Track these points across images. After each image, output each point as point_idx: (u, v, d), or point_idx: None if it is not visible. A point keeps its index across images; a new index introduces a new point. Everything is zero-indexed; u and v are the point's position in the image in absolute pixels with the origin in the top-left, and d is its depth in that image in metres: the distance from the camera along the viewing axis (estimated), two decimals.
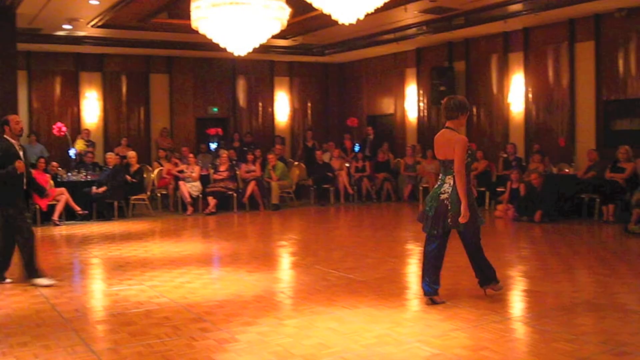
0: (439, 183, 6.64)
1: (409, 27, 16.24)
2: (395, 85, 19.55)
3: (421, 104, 18.70)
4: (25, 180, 7.92)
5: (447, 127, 6.72)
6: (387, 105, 20.01)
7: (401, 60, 19.27)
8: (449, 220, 6.45)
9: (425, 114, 18.61)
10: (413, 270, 8.88)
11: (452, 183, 6.49)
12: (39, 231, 12.74)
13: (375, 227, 13.00)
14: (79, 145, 16.54)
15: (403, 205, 16.68)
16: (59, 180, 14.32)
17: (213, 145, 18.63)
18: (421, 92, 18.67)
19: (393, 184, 17.60)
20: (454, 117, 6.75)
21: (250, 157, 16.58)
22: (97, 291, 8.00)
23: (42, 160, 14.04)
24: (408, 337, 5.51)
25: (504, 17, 14.75)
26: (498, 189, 14.81)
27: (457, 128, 6.73)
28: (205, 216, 14.77)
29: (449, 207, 6.44)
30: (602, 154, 13.67)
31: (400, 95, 19.43)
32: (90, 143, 17.07)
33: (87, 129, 17.57)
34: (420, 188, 16.91)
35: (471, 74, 17.22)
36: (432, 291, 6.61)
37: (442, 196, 6.52)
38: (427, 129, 18.48)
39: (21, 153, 7.86)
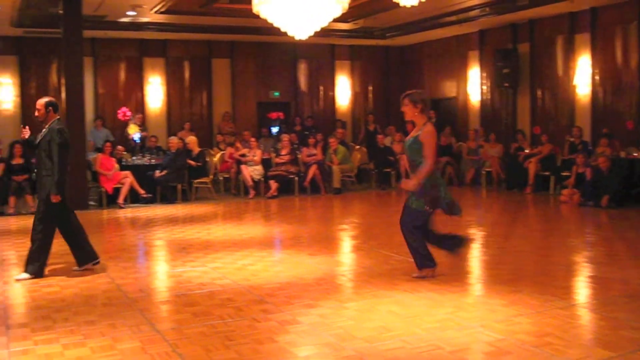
0: (438, 174, 7.11)
1: (471, 8, 15.97)
2: (458, 68, 19.29)
3: (484, 87, 18.41)
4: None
5: None
6: (449, 89, 19.77)
7: (464, 42, 18.98)
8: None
9: (489, 97, 18.31)
10: (475, 255, 8.79)
11: None
12: (105, 213, 13.06)
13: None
14: (132, 129, 16.78)
15: (465, 189, 16.49)
16: (124, 163, 14.61)
17: (274, 129, 18.74)
18: (484, 75, 18.38)
19: (455, 168, 17.43)
20: None
21: (311, 141, 16.59)
22: (161, 272, 8.15)
23: (108, 144, 14.36)
24: (470, 322, 5.46)
25: None
26: (563, 174, 14.52)
27: None
28: (267, 200, 14.86)
29: None
30: None
31: (462, 78, 19.17)
32: (143, 127, 17.30)
33: (140, 115, 17.70)
34: (483, 172, 16.70)
35: (536, 56, 16.87)
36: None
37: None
38: (490, 112, 18.21)
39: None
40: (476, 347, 4.90)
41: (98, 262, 7.87)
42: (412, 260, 7.12)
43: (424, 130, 6.88)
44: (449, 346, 4.87)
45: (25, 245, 7.55)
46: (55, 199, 7.34)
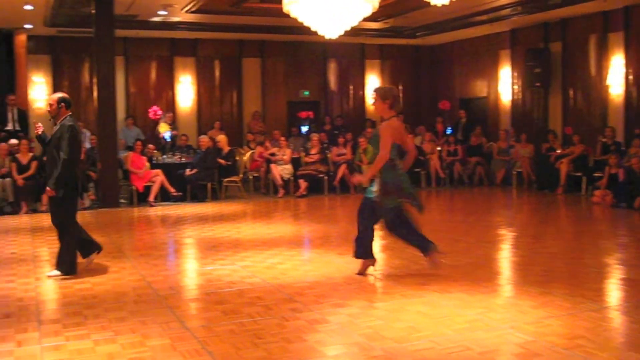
0: (400, 170, 7.01)
1: (503, 7, 15.84)
2: (489, 68, 19.14)
3: (515, 87, 18.26)
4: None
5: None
6: (480, 88, 19.64)
7: (495, 41, 18.83)
8: None
9: (520, 97, 18.15)
10: (506, 256, 8.75)
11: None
12: (136, 211, 13.17)
13: (467, 211, 12.82)
14: (163, 128, 16.90)
15: (495, 189, 16.38)
16: (154, 162, 14.71)
17: (304, 129, 18.76)
18: (515, 74, 18.22)
19: (485, 168, 17.31)
20: None
21: (341, 140, 16.60)
22: (191, 270, 8.19)
23: (139, 142, 14.47)
24: (500, 323, 5.42)
25: None
26: (596, 174, 14.36)
27: None
28: (296, 199, 14.89)
29: None
30: None
31: (493, 78, 19.02)
32: (174, 126, 17.40)
33: (170, 114, 17.80)
34: (514, 173, 16.56)
35: (568, 55, 16.69)
36: None
37: None
38: (521, 112, 18.05)
39: None
40: (506, 349, 4.86)
41: (101, 251, 7.91)
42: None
43: (382, 124, 6.92)
44: (478, 347, 4.84)
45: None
46: (49, 192, 7.33)
